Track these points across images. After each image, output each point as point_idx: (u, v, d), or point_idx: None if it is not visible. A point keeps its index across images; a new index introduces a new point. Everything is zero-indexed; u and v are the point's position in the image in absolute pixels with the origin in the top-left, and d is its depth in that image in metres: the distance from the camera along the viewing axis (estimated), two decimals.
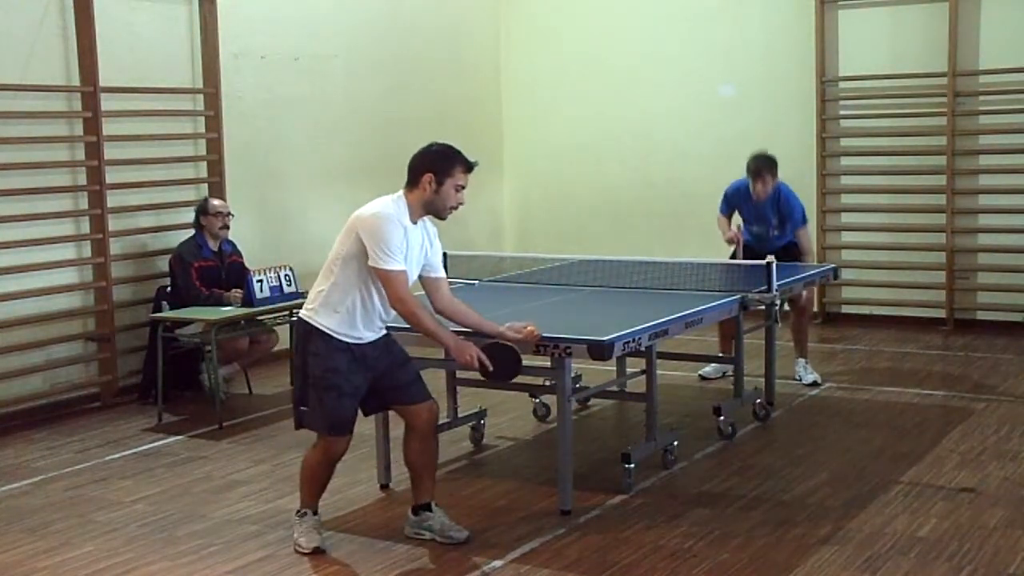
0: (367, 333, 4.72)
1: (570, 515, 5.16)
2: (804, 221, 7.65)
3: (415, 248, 4.70)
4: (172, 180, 8.10)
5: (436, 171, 4.64)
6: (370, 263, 4.54)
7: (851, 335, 9.29)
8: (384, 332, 4.84)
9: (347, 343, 4.67)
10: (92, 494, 5.74)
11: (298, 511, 4.93)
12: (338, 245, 4.67)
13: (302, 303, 7.40)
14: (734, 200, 7.67)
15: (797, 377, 7.61)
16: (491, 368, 4.82)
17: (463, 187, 4.73)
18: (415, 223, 4.70)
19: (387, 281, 4.56)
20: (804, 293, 7.53)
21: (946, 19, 9.20)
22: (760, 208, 7.54)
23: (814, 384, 7.53)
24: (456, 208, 4.75)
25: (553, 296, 6.37)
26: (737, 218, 7.69)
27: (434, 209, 4.71)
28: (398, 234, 4.56)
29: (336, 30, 9.37)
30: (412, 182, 4.68)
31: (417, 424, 4.88)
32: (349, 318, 4.66)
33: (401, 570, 4.64)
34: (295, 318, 6.21)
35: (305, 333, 4.71)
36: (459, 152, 4.72)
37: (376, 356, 4.77)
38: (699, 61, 10.31)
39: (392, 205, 4.64)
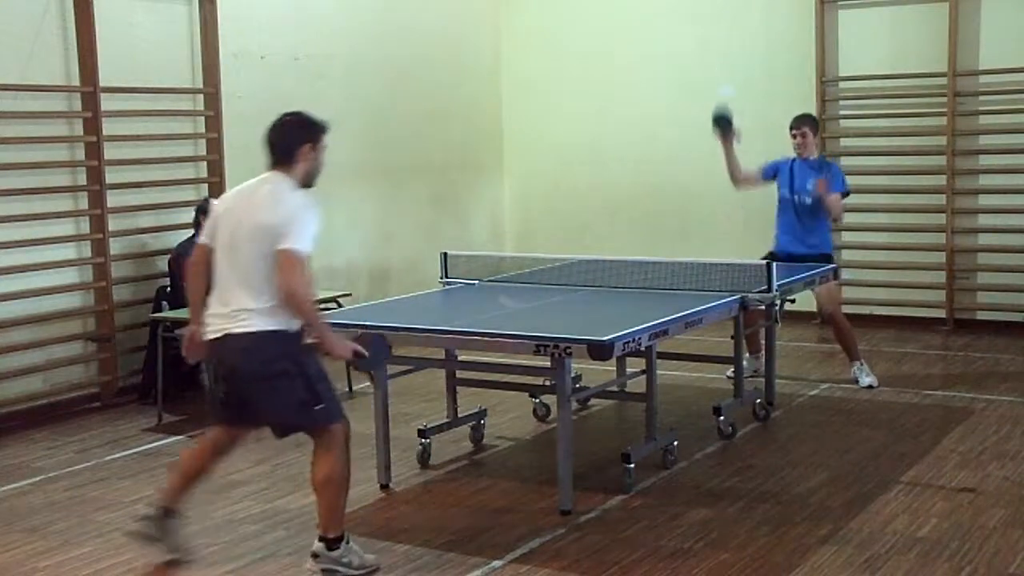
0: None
1: (570, 515, 5.16)
2: (845, 187, 7.73)
3: None
4: (172, 180, 8.10)
5: (312, 139, 4.66)
6: (286, 244, 4.28)
7: None
8: None
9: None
10: (92, 494, 5.74)
11: (333, 539, 4.51)
12: (262, 245, 4.36)
13: None
14: (776, 163, 7.78)
15: (854, 379, 7.61)
16: (366, 355, 4.68)
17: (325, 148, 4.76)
18: None
19: (301, 265, 4.30)
20: (826, 304, 7.70)
21: (946, 19, 9.20)
22: (801, 173, 7.60)
23: (869, 387, 7.50)
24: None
25: (553, 296, 6.37)
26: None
27: (312, 178, 4.67)
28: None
29: (336, 30, 9.37)
30: (287, 159, 4.57)
31: (242, 438, 4.77)
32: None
33: (401, 570, 4.64)
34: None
35: (284, 341, 4.41)
36: (317, 118, 4.78)
37: None
38: (699, 61, 10.31)
39: (299, 190, 4.54)
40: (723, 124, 7.55)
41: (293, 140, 4.60)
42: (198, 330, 4.56)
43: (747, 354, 7.60)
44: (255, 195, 4.52)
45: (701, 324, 5.79)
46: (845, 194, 7.76)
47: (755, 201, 9.67)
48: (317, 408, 4.46)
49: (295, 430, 4.60)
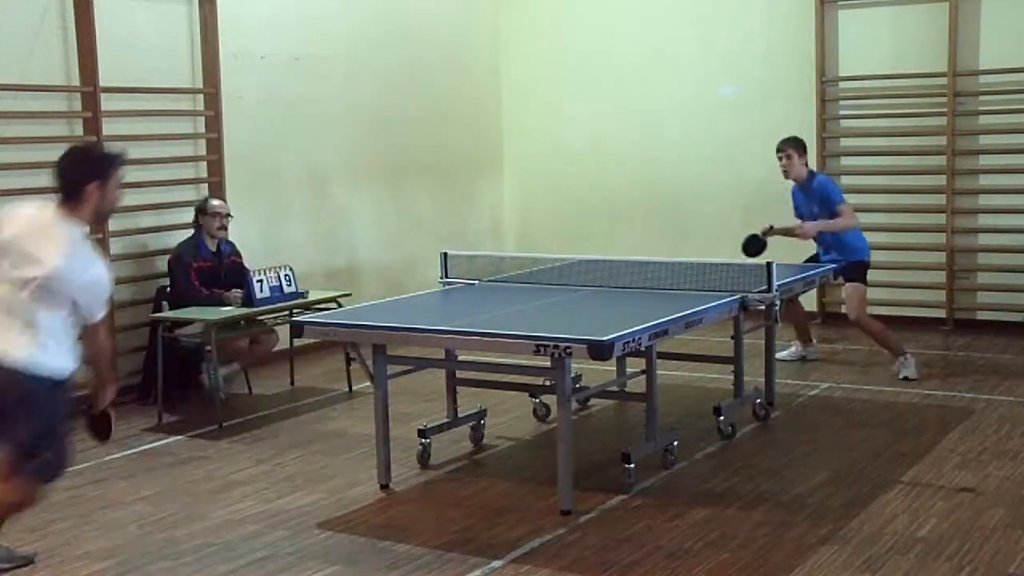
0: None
1: (570, 515, 5.16)
2: (842, 200, 7.78)
3: None
4: (172, 180, 8.09)
5: (100, 176, 4.37)
6: (94, 320, 4.35)
7: (851, 335, 9.27)
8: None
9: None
10: (92, 494, 5.74)
11: None
12: (36, 297, 4.20)
13: (302, 303, 7.52)
14: (794, 199, 8.03)
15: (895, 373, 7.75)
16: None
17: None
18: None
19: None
20: (849, 311, 7.90)
21: (946, 19, 9.20)
22: (801, 201, 7.89)
23: (906, 379, 7.61)
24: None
25: (553, 296, 6.37)
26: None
27: (102, 216, 4.54)
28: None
29: (336, 30, 9.37)
30: (73, 197, 4.30)
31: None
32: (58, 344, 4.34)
33: (401, 570, 4.64)
34: (293, 318, 6.23)
35: (39, 382, 4.29)
36: (108, 151, 4.58)
37: None
38: (699, 61, 10.31)
39: (81, 240, 4.30)
40: (755, 249, 7.64)
41: (79, 177, 4.33)
42: None
43: (796, 344, 8.19)
44: (33, 237, 4.24)
45: (701, 324, 5.78)
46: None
47: (754, 201, 9.70)
48: (40, 460, 4.37)
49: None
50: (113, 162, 4.46)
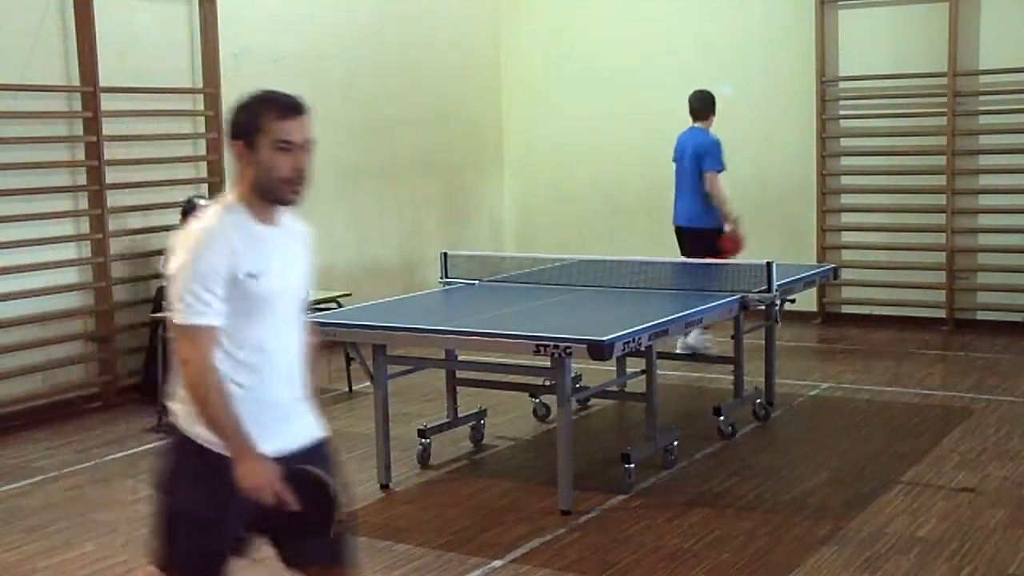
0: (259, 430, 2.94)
1: (570, 515, 5.16)
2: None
3: (279, 259, 3.01)
4: (172, 180, 8.09)
5: (244, 132, 3.00)
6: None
7: (851, 335, 9.29)
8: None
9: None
10: (92, 494, 5.74)
11: None
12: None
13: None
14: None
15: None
16: (296, 508, 2.91)
17: (289, 144, 2.95)
18: (269, 223, 3.01)
19: (189, 337, 2.89)
20: None
21: (946, 19, 9.20)
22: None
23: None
24: (296, 179, 2.95)
25: (553, 296, 6.37)
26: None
27: (266, 190, 2.97)
28: (214, 256, 2.88)
29: (336, 30, 9.38)
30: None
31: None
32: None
33: (401, 570, 4.64)
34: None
35: (182, 450, 3.04)
36: (269, 96, 3.06)
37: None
38: (699, 61, 10.30)
39: (213, 213, 2.99)
40: None
41: (229, 135, 3.07)
42: None
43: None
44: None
45: (701, 324, 5.78)
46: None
47: (754, 201, 9.68)
48: (162, 548, 3.07)
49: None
50: (260, 111, 3.01)
